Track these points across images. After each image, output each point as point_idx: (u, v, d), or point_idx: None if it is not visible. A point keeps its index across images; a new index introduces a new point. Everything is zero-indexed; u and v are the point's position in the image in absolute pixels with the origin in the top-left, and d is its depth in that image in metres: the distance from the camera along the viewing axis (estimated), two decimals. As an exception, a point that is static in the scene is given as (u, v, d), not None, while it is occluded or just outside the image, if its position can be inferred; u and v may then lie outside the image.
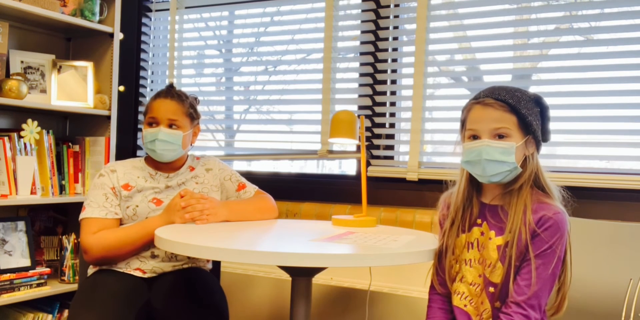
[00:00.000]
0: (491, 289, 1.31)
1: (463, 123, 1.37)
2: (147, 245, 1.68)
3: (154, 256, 1.74)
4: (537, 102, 1.33)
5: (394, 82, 2.35)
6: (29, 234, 2.17)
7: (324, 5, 2.43)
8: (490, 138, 1.29)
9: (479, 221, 1.36)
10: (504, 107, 1.29)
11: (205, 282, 1.72)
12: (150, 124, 1.78)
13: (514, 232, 1.27)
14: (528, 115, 1.29)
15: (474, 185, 1.39)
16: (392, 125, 2.35)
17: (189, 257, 1.79)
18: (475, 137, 1.32)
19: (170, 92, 1.80)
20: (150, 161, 1.84)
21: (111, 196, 1.74)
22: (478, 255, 1.34)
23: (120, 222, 1.75)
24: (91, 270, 1.76)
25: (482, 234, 1.35)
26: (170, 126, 1.76)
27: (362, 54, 2.39)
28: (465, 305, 1.36)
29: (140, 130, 2.89)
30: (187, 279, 1.71)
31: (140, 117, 2.89)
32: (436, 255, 1.41)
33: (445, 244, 1.39)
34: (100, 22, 2.37)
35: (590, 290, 1.56)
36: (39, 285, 2.09)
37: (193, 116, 1.83)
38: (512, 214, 1.29)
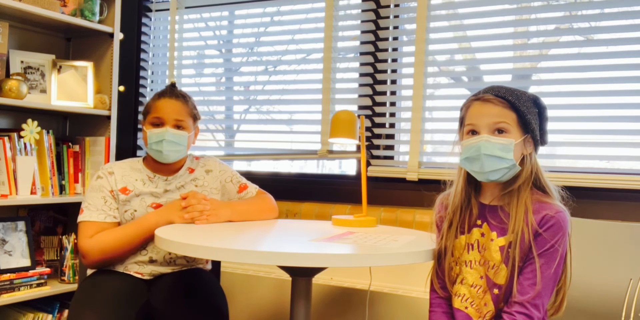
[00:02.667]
0: (495, 291, 1.31)
1: (462, 121, 1.36)
2: (145, 242, 1.68)
3: (151, 261, 1.73)
4: (535, 103, 1.33)
5: (394, 82, 2.35)
6: (29, 234, 2.17)
7: (324, 5, 2.43)
8: (490, 133, 1.29)
9: (478, 222, 1.36)
10: (504, 104, 1.29)
11: (205, 282, 1.72)
12: (154, 125, 1.74)
13: (516, 233, 1.27)
14: (527, 113, 1.29)
15: (472, 186, 1.38)
16: (392, 125, 2.35)
17: (187, 261, 1.79)
18: (474, 132, 1.31)
19: (174, 92, 1.78)
20: (150, 163, 1.82)
21: (110, 199, 1.71)
22: (479, 256, 1.34)
23: (118, 225, 1.73)
24: (91, 270, 1.76)
25: (482, 235, 1.34)
26: (176, 127, 1.74)
27: (362, 54, 2.39)
28: (466, 308, 1.35)
29: (141, 130, 2.89)
30: (187, 279, 1.71)
31: (141, 117, 2.89)
32: (435, 258, 1.41)
33: (444, 246, 1.39)
34: (100, 22, 2.37)
35: (590, 290, 1.56)
36: (39, 285, 2.09)
37: (196, 117, 1.82)
38: (513, 214, 1.29)
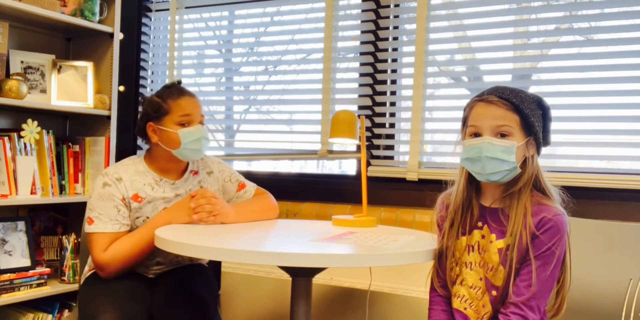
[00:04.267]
0: (494, 293, 1.31)
1: (464, 121, 1.36)
2: None
3: (159, 264, 1.74)
4: (540, 104, 1.32)
5: (394, 82, 2.35)
6: (29, 234, 2.17)
7: (324, 5, 2.43)
8: (492, 136, 1.29)
9: (479, 224, 1.36)
10: (507, 106, 1.28)
11: (200, 277, 1.73)
12: (182, 124, 1.70)
13: (514, 235, 1.27)
14: (531, 115, 1.28)
15: (473, 186, 1.38)
16: (392, 125, 2.35)
17: (191, 260, 1.79)
18: (476, 134, 1.31)
19: (188, 90, 1.77)
20: (156, 163, 1.76)
21: (122, 208, 1.66)
22: (479, 258, 1.34)
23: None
24: (89, 272, 1.74)
25: (482, 237, 1.34)
26: (201, 124, 1.74)
27: (362, 54, 2.39)
28: (465, 308, 1.35)
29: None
30: (185, 277, 1.71)
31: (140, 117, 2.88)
32: (436, 257, 1.41)
33: (445, 245, 1.39)
34: (100, 22, 2.37)
35: (590, 290, 1.56)
36: (39, 285, 2.09)
37: None
38: (512, 217, 1.28)
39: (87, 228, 1.65)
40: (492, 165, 1.28)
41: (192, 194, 1.69)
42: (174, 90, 1.74)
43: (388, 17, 2.33)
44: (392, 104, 2.36)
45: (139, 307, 1.55)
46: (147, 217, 1.70)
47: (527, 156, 1.32)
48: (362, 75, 2.38)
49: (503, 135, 1.29)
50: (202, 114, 1.76)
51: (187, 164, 1.84)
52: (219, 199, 1.71)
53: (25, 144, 2.13)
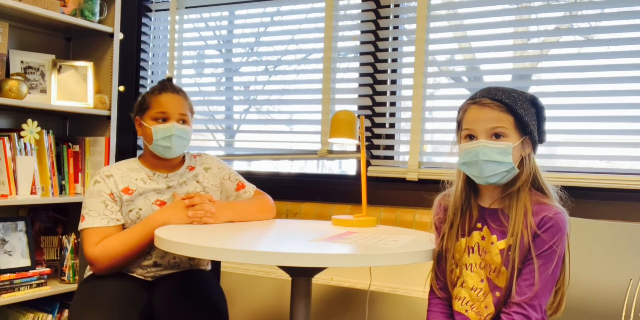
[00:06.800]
0: (497, 294, 1.31)
1: (459, 124, 1.36)
2: (152, 244, 1.67)
3: (156, 265, 1.73)
4: (533, 103, 1.32)
5: (394, 82, 2.35)
6: (29, 234, 2.17)
7: (324, 5, 2.43)
8: (487, 138, 1.29)
9: (479, 225, 1.35)
10: (501, 107, 1.28)
11: (205, 282, 1.72)
12: (157, 120, 1.72)
13: (516, 236, 1.26)
14: (525, 115, 1.28)
15: (471, 188, 1.38)
16: (392, 125, 2.35)
17: (191, 265, 1.79)
18: (471, 137, 1.31)
19: (174, 86, 1.77)
20: (148, 160, 1.79)
21: (110, 203, 1.68)
22: (479, 259, 1.34)
23: (123, 227, 1.70)
24: (89, 271, 1.74)
25: (482, 238, 1.34)
26: (180, 121, 1.73)
27: (362, 54, 2.39)
28: (466, 310, 1.35)
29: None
30: (188, 280, 1.71)
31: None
32: (435, 259, 1.40)
33: (444, 247, 1.38)
34: (100, 22, 2.37)
35: (590, 290, 1.56)
36: (39, 285, 2.09)
37: (192, 111, 1.82)
38: (513, 217, 1.28)
39: (79, 226, 1.67)
40: (489, 168, 1.28)
41: (188, 196, 1.69)
42: (159, 86, 1.77)
43: (388, 17, 2.33)
44: (392, 104, 2.36)
45: (127, 311, 1.55)
46: (140, 209, 1.70)
47: (523, 156, 1.32)
48: (362, 75, 2.38)
49: (498, 136, 1.28)
50: (183, 112, 1.74)
51: (184, 160, 1.85)
52: (214, 202, 1.71)
53: (25, 144, 2.13)
